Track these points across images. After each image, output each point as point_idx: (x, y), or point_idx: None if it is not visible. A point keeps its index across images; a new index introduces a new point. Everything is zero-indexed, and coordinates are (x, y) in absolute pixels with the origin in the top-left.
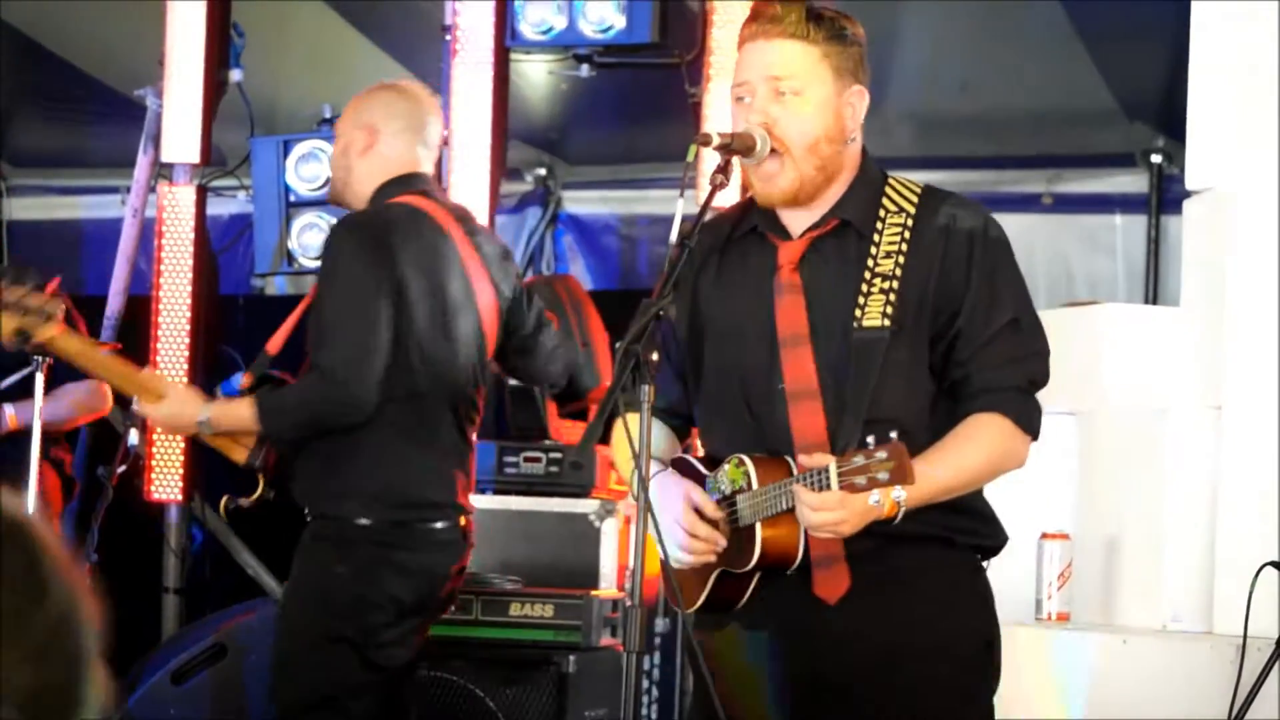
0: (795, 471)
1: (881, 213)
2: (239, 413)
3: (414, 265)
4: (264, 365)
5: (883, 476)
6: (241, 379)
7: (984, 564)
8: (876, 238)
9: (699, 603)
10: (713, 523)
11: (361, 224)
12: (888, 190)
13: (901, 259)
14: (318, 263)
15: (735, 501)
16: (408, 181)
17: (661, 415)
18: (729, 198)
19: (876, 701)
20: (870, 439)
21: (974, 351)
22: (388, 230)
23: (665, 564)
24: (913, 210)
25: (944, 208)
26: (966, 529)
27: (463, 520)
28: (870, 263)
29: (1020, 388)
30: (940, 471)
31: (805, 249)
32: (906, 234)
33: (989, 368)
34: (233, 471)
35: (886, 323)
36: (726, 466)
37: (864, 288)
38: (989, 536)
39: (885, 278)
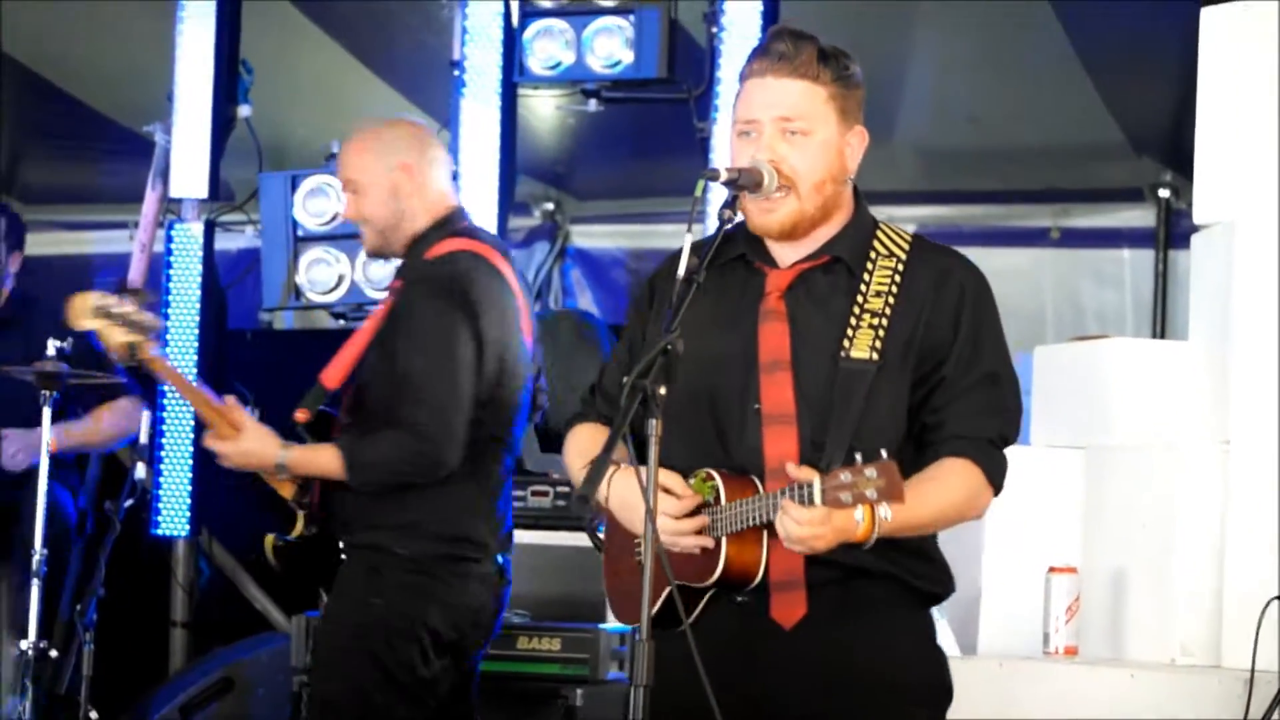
0: (763, 490)
1: (872, 254)
2: (321, 462)
3: (488, 318)
4: (320, 399)
5: (871, 494)
6: (298, 414)
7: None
8: (867, 277)
9: (653, 612)
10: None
11: (442, 279)
12: (879, 234)
13: (892, 300)
14: (326, 297)
15: (700, 515)
16: (453, 221)
17: (605, 421)
18: None
19: None
20: (858, 456)
21: (952, 399)
22: (466, 284)
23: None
24: (904, 255)
25: (936, 257)
26: (924, 574)
27: (501, 558)
28: (860, 299)
29: (993, 440)
30: (914, 505)
31: (794, 279)
32: (898, 278)
33: (965, 416)
34: (238, 506)
35: (874, 355)
36: (691, 481)
37: (853, 321)
38: (940, 584)
39: (875, 314)
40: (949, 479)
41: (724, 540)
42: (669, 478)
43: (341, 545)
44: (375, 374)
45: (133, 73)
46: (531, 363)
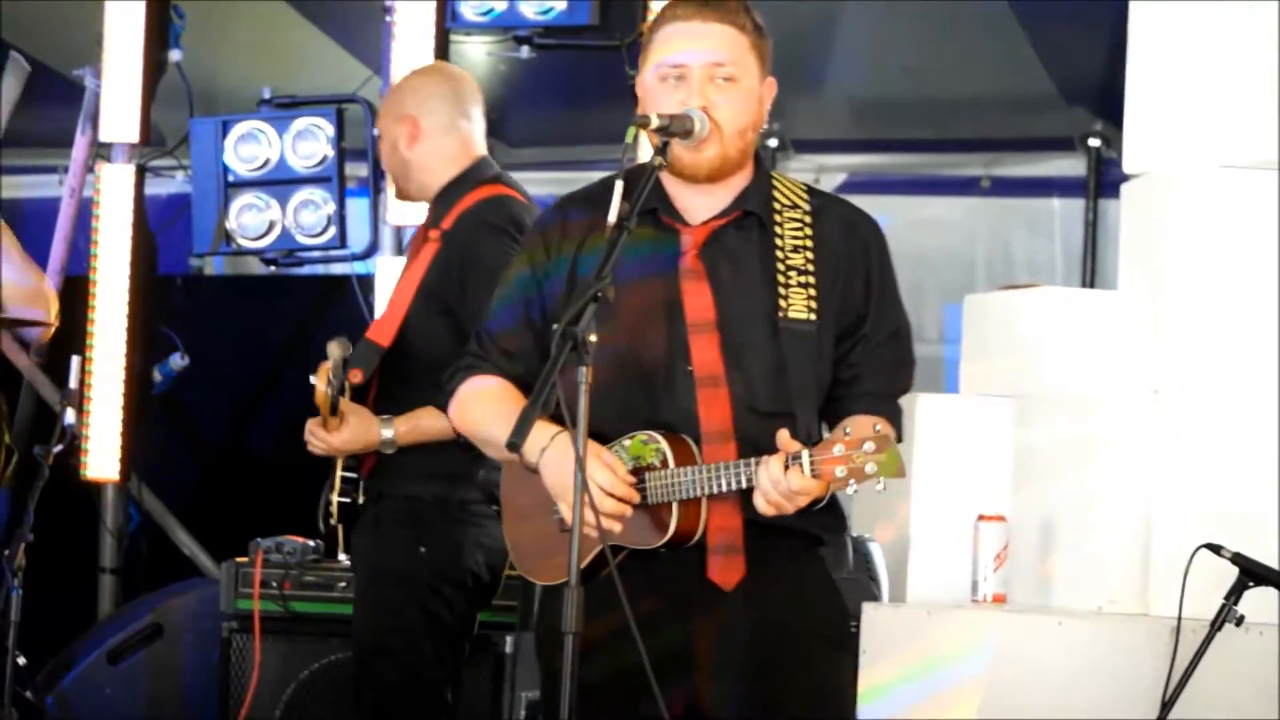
0: (700, 457)
1: (776, 205)
2: (427, 425)
3: None
4: (374, 357)
5: (870, 468)
6: (354, 375)
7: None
8: (779, 229)
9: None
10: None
11: (501, 220)
12: (775, 185)
13: (810, 255)
14: (256, 242)
15: (644, 478)
16: (482, 169)
17: (513, 379)
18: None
19: (768, 683)
20: (848, 430)
21: (866, 354)
22: (521, 225)
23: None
24: (806, 207)
25: (839, 209)
26: (831, 525)
27: None
28: (780, 254)
29: (897, 395)
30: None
31: (708, 236)
32: (808, 230)
33: (877, 372)
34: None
35: (813, 315)
36: (628, 442)
37: (781, 279)
38: (839, 531)
39: (801, 271)
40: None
41: (674, 506)
42: (607, 454)
43: (370, 494)
44: (430, 327)
45: (63, 17)
46: None
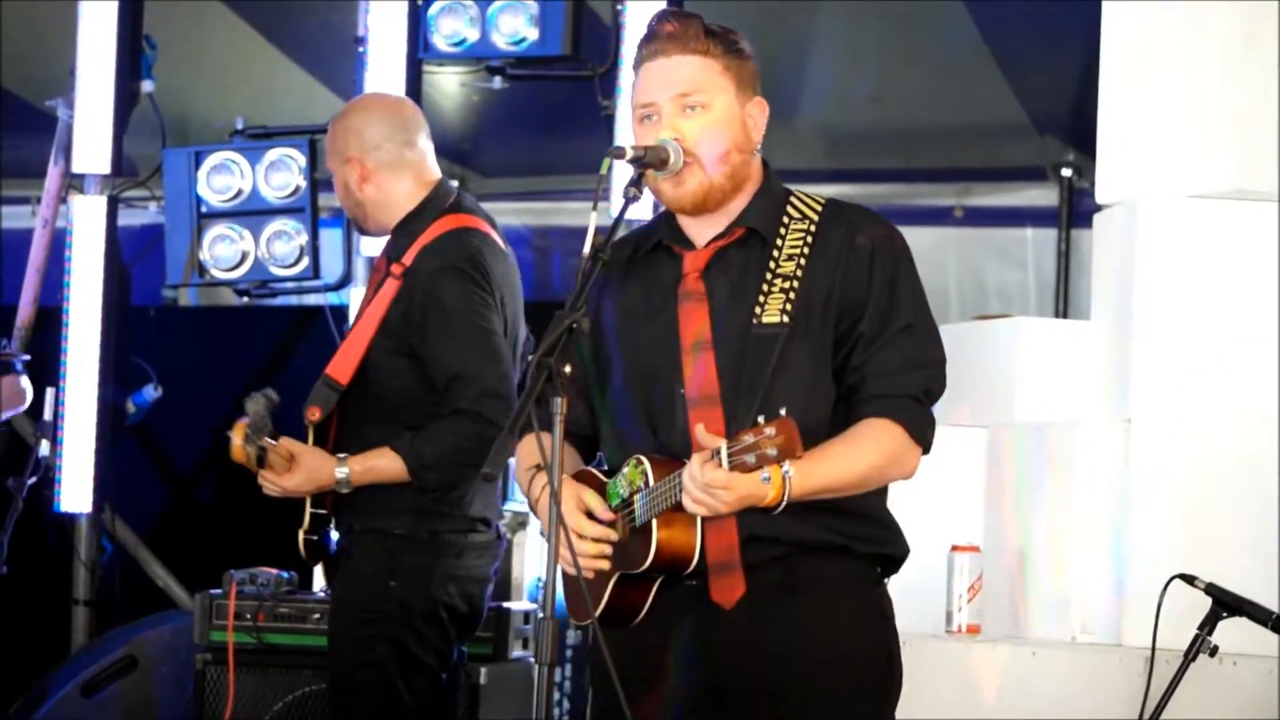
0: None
1: (785, 220)
2: (380, 466)
3: (505, 296)
4: (334, 396)
5: (771, 452)
6: (311, 413)
7: (884, 579)
8: (780, 243)
9: (598, 612)
10: (607, 524)
11: (460, 260)
12: (792, 201)
13: (803, 260)
14: (229, 274)
15: (633, 502)
16: (441, 198)
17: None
18: (642, 210)
19: (774, 712)
20: (760, 418)
21: (870, 355)
22: (484, 265)
23: (578, 576)
24: (816, 219)
25: (848, 215)
26: (867, 536)
27: (500, 527)
28: (772, 264)
29: (915, 397)
30: (827, 466)
31: (710, 257)
32: (809, 239)
33: (886, 374)
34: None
35: (785, 319)
36: (625, 470)
37: (765, 288)
38: (890, 544)
39: (786, 278)
40: (864, 438)
41: (654, 525)
42: (590, 497)
43: (341, 528)
44: (391, 365)
45: (35, 47)
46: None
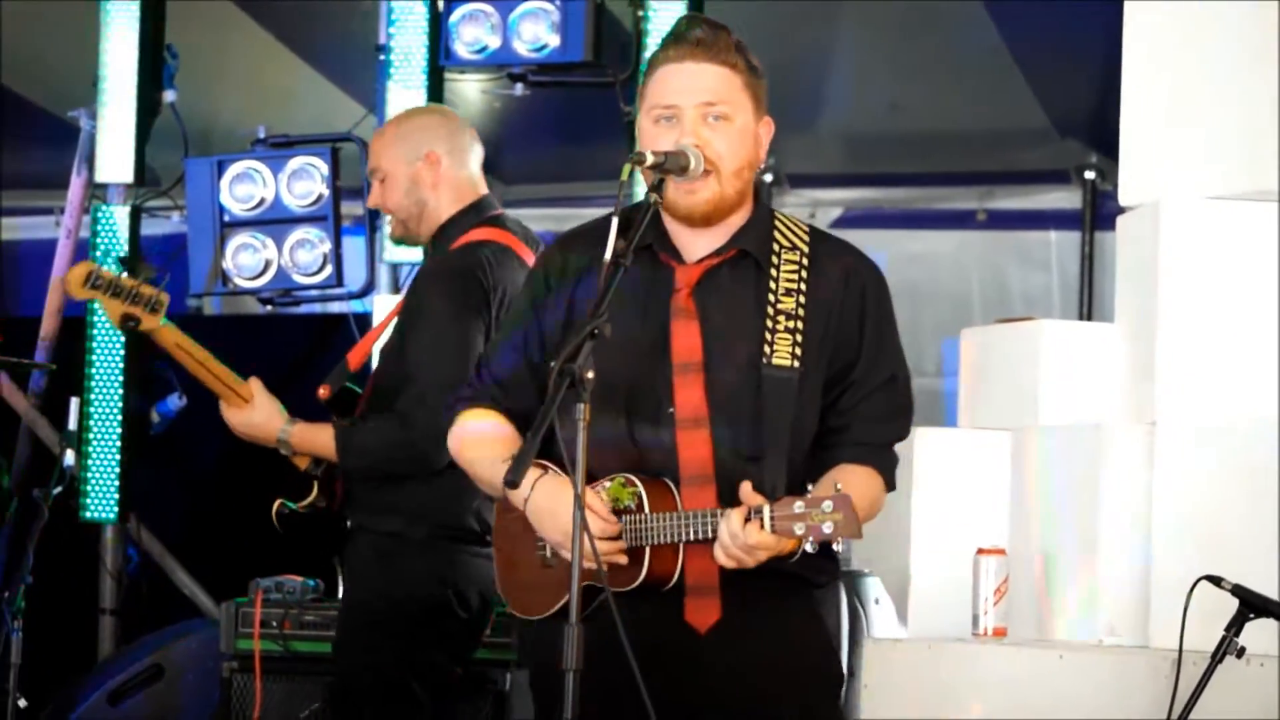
0: (679, 499)
1: (775, 246)
2: (319, 440)
3: (483, 303)
4: (343, 378)
5: (827, 529)
6: (320, 390)
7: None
8: (774, 272)
9: (556, 608)
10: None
11: (453, 270)
12: (777, 224)
13: (803, 299)
14: (253, 282)
15: (622, 520)
16: (480, 209)
17: (509, 414)
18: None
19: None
20: (810, 488)
21: (857, 402)
22: (480, 275)
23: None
24: (806, 249)
25: (839, 255)
26: (823, 569)
27: None
28: (771, 298)
29: (890, 444)
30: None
31: (702, 275)
32: (804, 274)
33: (868, 421)
34: (166, 492)
35: (796, 364)
36: (609, 484)
37: (769, 324)
38: (831, 574)
39: (790, 316)
40: (859, 486)
41: (647, 550)
42: (592, 498)
43: (351, 524)
44: (389, 361)
45: (58, 58)
46: None
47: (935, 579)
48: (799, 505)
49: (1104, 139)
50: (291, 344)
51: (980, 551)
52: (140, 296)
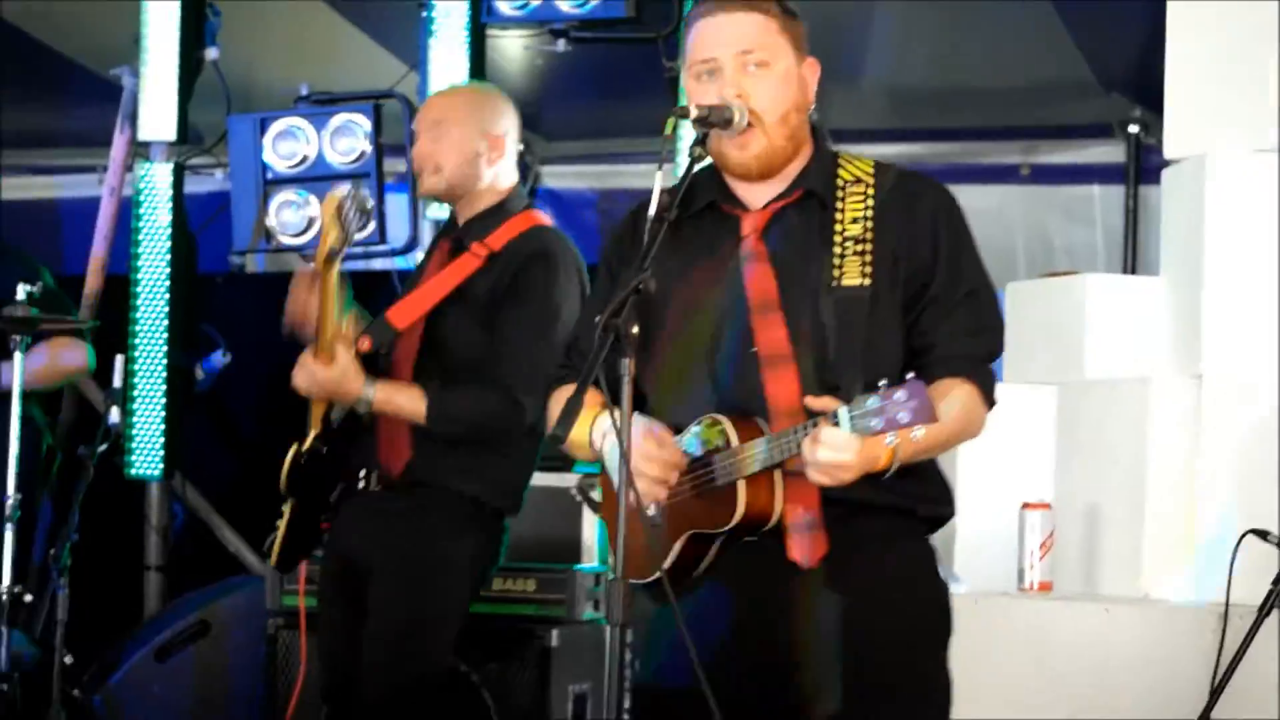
0: (769, 433)
1: (839, 183)
2: (403, 402)
3: (581, 289)
4: (388, 337)
5: (903, 417)
6: (362, 342)
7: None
8: (840, 204)
9: (667, 565)
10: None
11: (561, 255)
12: (841, 163)
13: (870, 224)
14: (296, 239)
15: (711, 461)
16: (520, 198)
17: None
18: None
19: (853, 666)
20: (882, 381)
21: (939, 319)
22: (576, 258)
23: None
24: (871, 181)
25: (905, 178)
26: (929, 497)
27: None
28: (837, 227)
29: (982, 358)
30: (920, 431)
31: (769, 218)
32: (870, 202)
33: (954, 336)
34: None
35: (866, 281)
36: (697, 428)
37: (836, 250)
38: (945, 505)
39: (857, 240)
40: (953, 400)
41: (740, 484)
42: (657, 427)
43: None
44: (467, 334)
45: (100, 16)
46: None
47: (980, 533)
48: (872, 400)
49: (1148, 93)
50: None
51: (1026, 506)
52: (349, 232)
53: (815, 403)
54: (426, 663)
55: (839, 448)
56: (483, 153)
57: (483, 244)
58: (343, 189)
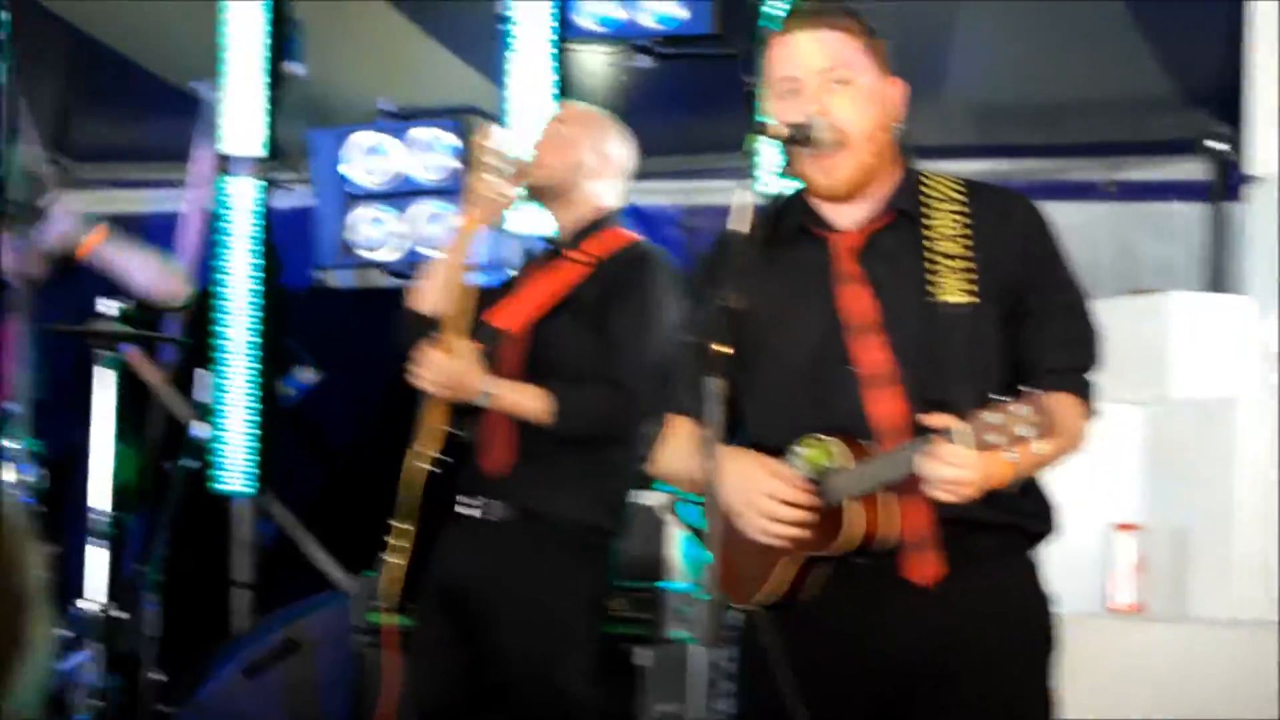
0: (878, 452)
1: (930, 200)
2: (524, 399)
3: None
4: (492, 337)
5: (1025, 431)
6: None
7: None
8: (933, 223)
9: (772, 589)
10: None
11: (659, 259)
12: (927, 181)
13: (965, 241)
14: (378, 254)
15: (821, 482)
16: (616, 216)
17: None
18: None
19: (965, 686)
20: (1002, 397)
21: (1038, 332)
22: (670, 267)
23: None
24: (961, 198)
25: (993, 195)
26: (1036, 513)
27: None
28: (933, 245)
29: (1082, 369)
30: (1043, 444)
31: (861, 240)
32: (963, 219)
33: (1054, 348)
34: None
35: (966, 298)
36: (802, 450)
37: (933, 268)
38: (1048, 521)
39: (953, 257)
40: (1060, 411)
41: (853, 504)
42: (776, 464)
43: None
44: (576, 339)
45: (183, 31)
46: None
47: (1068, 553)
48: (992, 416)
49: (1230, 108)
50: None
51: (1116, 526)
52: (499, 201)
53: (932, 420)
54: (573, 702)
55: (961, 464)
56: (589, 164)
57: (585, 252)
58: (490, 129)
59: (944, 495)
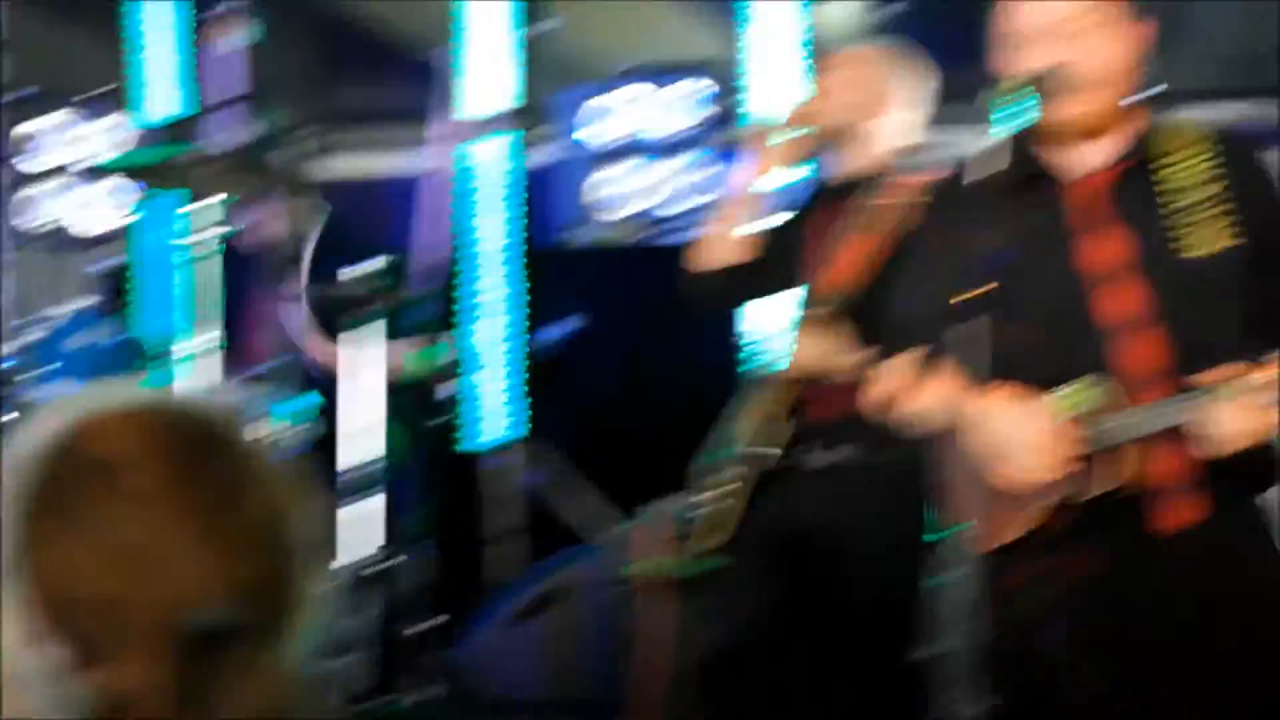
0: (1144, 400)
1: (1170, 149)
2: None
3: None
4: (839, 300)
5: None
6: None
7: None
8: (1173, 172)
9: (1028, 531)
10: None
11: None
12: (1168, 130)
13: (1206, 192)
14: (625, 213)
15: (1089, 426)
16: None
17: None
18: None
19: (1217, 633)
20: (1273, 354)
21: None
22: None
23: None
24: (1204, 146)
25: (1236, 145)
26: (1272, 463)
27: None
28: (1176, 195)
29: None
30: None
31: (1099, 187)
32: (1206, 167)
33: None
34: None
35: (1213, 249)
36: (1069, 391)
37: (1177, 217)
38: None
39: (1197, 206)
40: None
41: (1122, 449)
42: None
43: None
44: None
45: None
46: None
47: None
48: (1263, 375)
49: None
50: (667, 274)
51: None
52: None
53: (1208, 376)
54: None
55: (1237, 419)
56: (875, 111)
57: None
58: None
59: (1216, 447)
